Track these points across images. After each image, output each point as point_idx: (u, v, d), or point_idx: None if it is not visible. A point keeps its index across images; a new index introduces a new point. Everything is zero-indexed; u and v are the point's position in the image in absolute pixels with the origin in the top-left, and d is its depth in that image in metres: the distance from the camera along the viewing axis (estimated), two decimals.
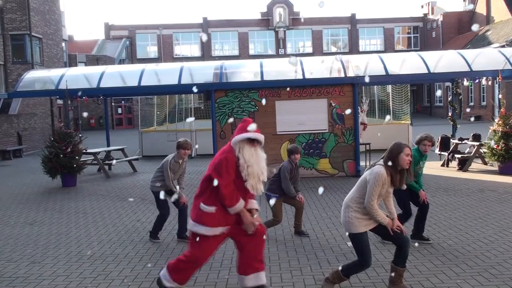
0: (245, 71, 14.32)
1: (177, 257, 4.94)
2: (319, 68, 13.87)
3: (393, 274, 4.88)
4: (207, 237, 4.63)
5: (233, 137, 4.72)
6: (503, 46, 29.04)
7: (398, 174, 4.71)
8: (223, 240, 4.84)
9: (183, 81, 13.61)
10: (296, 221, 7.20)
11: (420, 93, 48.03)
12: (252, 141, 4.65)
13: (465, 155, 13.40)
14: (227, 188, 4.55)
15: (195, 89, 12.15)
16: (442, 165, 13.90)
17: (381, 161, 4.75)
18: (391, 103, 21.10)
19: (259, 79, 12.95)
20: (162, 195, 6.39)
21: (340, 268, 4.87)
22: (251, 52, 49.39)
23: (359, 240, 4.70)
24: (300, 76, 12.93)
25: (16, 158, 21.41)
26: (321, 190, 6.46)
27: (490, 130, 12.41)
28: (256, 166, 4.59)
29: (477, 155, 13.27)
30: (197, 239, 4.65)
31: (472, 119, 31.87)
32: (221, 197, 4.58)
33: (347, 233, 4.83)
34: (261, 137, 4.69)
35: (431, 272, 5.40)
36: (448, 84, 24.99)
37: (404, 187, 5.21)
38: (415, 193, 6.51)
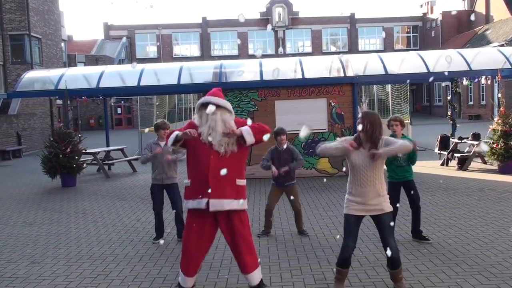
0: (245, 71, 14.31)
1: None
2: (319, 67, 13.87)
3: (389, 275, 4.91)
4: (188, 213, 4.83)
5: None
6: (502, 45, 29.05)
7: (367, 141, 4.81)
8: (205, 225, 4.73)
9: (182, 81, 13.63)
10: (297, 226, 7.19)
11: (420, 93, 48.03)
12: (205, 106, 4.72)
13: (465, 154, 13.41)
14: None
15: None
16: (442, 164, 13.90)
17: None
18: (390, 103, 21.12)
19: (258, 78, 12.94)
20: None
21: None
22: (250, 51, 49.34)
23: (346, 221, 4.80)
24: (299, 76, 12.92)
25: (16, 158, 21.41)
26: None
27: (489, 129, 12.42)
28: (206, 128, 4.64)
29: (476, 154, 13.27)
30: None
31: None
32: None
33: None
34: (212, 99, 4.66)
35: (431, 271, 5.40)
36: (448, 83, 24.99)
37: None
38: (408, 188, 6.47)
